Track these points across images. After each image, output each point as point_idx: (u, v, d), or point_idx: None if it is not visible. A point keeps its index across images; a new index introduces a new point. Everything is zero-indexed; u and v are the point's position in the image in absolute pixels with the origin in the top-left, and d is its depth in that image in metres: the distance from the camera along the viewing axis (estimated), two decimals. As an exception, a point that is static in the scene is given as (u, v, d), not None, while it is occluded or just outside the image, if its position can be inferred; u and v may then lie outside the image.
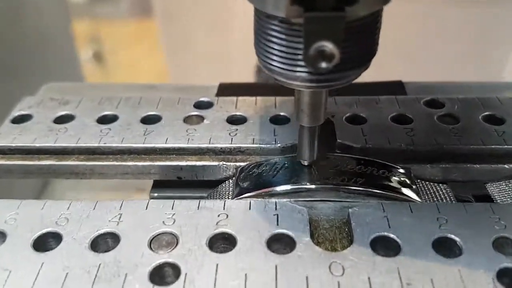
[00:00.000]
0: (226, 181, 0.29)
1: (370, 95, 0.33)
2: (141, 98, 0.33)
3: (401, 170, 0.28)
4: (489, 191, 0.28)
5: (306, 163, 0.27)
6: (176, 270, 0.22)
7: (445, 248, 0.23)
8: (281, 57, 0.21)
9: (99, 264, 0.22)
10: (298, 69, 0.21)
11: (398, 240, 0.23)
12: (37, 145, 0.29)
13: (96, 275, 0.22)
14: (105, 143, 0.29)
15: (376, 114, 0.32)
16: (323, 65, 0.19)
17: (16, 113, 0.32)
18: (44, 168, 0.29)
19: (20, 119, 0.32)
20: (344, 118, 0.31)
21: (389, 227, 0.24)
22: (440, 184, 0.29)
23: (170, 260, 0.22)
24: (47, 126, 0.31)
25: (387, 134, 0.30)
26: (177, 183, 0.30)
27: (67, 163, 0.29)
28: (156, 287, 0.21)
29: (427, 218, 0.24)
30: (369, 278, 0.21)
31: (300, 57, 0.20)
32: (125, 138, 0.30)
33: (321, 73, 0.21)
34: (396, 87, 0.35)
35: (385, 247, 0.23)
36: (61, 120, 0.32)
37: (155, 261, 0.22)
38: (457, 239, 0.23)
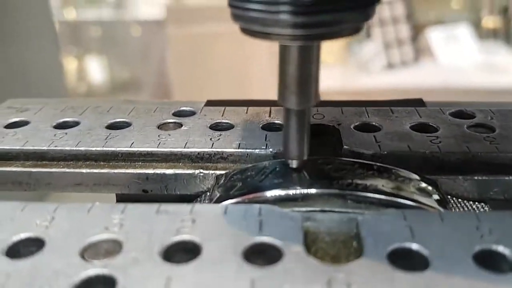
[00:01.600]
0: (203, 195, 0.23)
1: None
2: (111, 107, 0.28)
3: (427, 181, 0.22)
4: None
5: (294, 164, 0.21)
6: (111, 283, 0.16)
7: (490, 264, 0.16)
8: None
9: (9, 273, 0.16)
10: (280, 8, 0.16)
11: (425, 252, 0.17)
12: (-24, 148, 0.24)
13: (3, 285, 0.16)
14: (56, 146, 0.24)
15: (392, 123, 0.26)
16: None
17: (-37, 119, 0.27)
18: (-18, 176, 0.24)
19: (-34, 125, 0.27)
20: (352, 126, 0.26)
21: (413, 237, 0.17)
22: (477, 203, 0.23)
23: (105, 271, 0.16)
24: (-6, 131, 0.26)
25: (406, 141, 0.24)
26: (143, 199, 0.24)
27: (8, 169, 0.24)
28: (78, 304, 0.15)
29: (463, 227, 0.18)
30: (385, 299, 0.15)
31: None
32: (82, 142, 0.24)
33: (307, 10, 0.15)
34: (415, 105, 0.29)
35: (407, 263, 0.17)
36: (13, 125, 0.27)
37: (84, 271, 0.16)
38: (506, 252, 0.17)
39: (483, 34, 2.09)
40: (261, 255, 0.17)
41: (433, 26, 1.86)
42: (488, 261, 0.16)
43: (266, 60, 1.52)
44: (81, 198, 0.24)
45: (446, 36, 1.81)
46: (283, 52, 0.19)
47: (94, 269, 0.16)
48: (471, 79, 1.63)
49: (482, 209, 0.22)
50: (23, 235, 0.18)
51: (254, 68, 1.54)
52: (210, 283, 0.15)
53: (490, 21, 2.12)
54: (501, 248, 0.17)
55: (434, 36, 1.80)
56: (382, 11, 1.73)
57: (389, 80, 1.61)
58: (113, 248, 0.17)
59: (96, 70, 2.17)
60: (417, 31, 1.81)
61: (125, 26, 2.22)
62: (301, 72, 0.18)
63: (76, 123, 0.26)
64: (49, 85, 0.78)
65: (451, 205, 0.22)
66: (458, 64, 1.74)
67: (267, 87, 1.51)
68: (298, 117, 0.19)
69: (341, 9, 0.16)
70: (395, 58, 1.72)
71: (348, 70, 1.71)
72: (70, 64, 2.01)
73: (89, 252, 0.17)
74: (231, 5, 0.18)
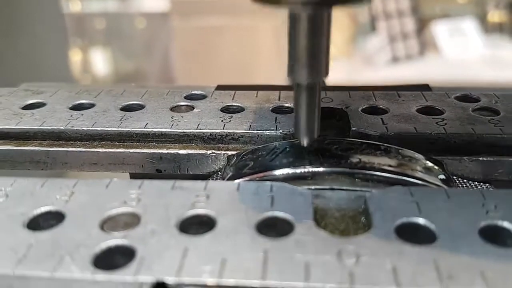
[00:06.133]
0: (214, 175, 0.24)
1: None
2: (124, 90, 0.29)
3: (433, 161, 0.22)
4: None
5: (305, 141, 0.21)
6: (130, 253, 0.16)
7: (496, 239, 0.17)
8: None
9: (31, 243, 0.17)
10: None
11: (432, 226, 0.17)
12: (-5, 127, 0.25)
13: (24, 255, 0.16)
14: (72, 126, 0.25)
15: (399, 106, 0.26)
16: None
17: (-18, 101, 0.28)
18: (1, 154, 0.24)
19: (-15, 106, 0.27)
20: (360, 109, 0.26)
21: (420, 212, 0.18)
22: (482, 184, 0.23)
23: (124, 242, 0.17)
24: (12, 112, 0.27)
25: (413, 123, 0.24)
26: (157, 178, 0.24)
27: (26, 148, 0.24)
28: (99, 271, 0.16)
29: (469, 204, 0.18)
30: (394, 269, 0.15)
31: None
32: (98, 122, 0.25)
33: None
34: (422, 90, 0.29)
35: (415, 237, 0.17)
36: (31, 107, 0.27)
37: (104, 242, 0.17)
38: (511, 227, 0.17)
39: (488, 28, 2.08)
40: (273, 228, 0.18)
41: (438, 20, 1.85)
42: (493, 236, 0.17)
43: (271, 52, 1.52)
44: (95, 177, 0.25)
45: (452, 29, 1.80)
46: (293, 24, 0.18)
47: (114, 240, 0.17)
48: (476, 73, 1.62)
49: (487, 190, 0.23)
50: (43, 209, 0.19)
51: (259, 60, 1.54)
52: (225, 253, 0.16)
53: (495, 15, 2.11)
54: (506, 224, 0.17)
55: (440, 30, 1.79)
56: (388, 4, 1.73)
57: (394, 74, 1.61)
58: (131, 220, 0.18)
59: (100, 62, 2.18)
60: (422, 24, 1.80)
61: (130, 18, 2.22)
62: (311, 43, 0.18)
63: (91, 105, 0.27)
64: (56, 75, 0.78)
65: (456, 185, 0.23)
66: (463, 58, 1.74)
67: (272, 79, 1.51)
68: (309, 93, 0.20)
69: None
70: (400, 51, 1.72)
71: (353, 64, 1.71)
72: (75, 56, 2.01)
73: (109, 224, 0.18)
74: None
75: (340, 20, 1.75)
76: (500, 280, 0.15)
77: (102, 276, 0.15)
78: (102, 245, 0.17)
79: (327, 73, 0.19)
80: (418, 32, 1.77)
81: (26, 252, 0.17)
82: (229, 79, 1.54)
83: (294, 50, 0.18)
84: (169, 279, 0.15)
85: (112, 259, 0.16)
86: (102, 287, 0.16)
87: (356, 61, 1.73)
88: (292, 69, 0.19)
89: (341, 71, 1.63)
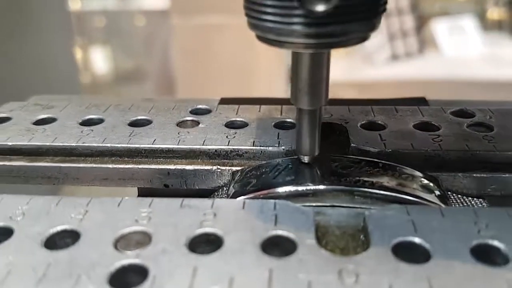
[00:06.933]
0: (220, 190, 0.25)
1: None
2: (132, 104, 0.30)
3: (429, 178, 0.23)
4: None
5: (306, 159, 0.22)
6: (143, 272, 0.17)
7: (486, 257, 0.18)
8: (273, 6, 0.18)
9: (49, 263, 0.18)
10: (294, 19, 0.17)
11: (427, 245, 0.18)
12: (9, 143, 0.26)
13: (43, 274, 0.17)
14: (83, 143, 0.26)
15: (396, 122, 0.27)
16: (320, 7, 0.15)
17: (-6, 115, 0.29)
18: (14, 170, 0.26)
19: (-2, 121, 0.28)
20: (359, 125, 0.27)
21: (416, 232, 0.19)
22: (475, 199, 0.24)
23: (137, 261, 0.18)
24: (25, 127, 0.28)
25: (409, 140, 0.26)
26: (164, 193, 0.26)
27: (38, 164, 0.25)
28: (114, 289, 0.17)
29: (462, 222, 0.19)
30: (391, 287, 0.16)
31: (295, 4, 0.17)
32: (108, 139, 0.26)
33: (318, 22, 0.17)
34: (418, 103, 0.31)
35: (410, 255, 0.18)
36: (42, 122, 0.28)
37: (118, 261, 0.18)
38: (501, 245, 0.18)
39: (488, 25, 2.09)
40: (277, 246, 0.19)
41: (437, 18, 1.86)
42: (484, 254, 0.18)
43: (271, 51, 1.53)
44: (104, 191, 0.26)
45: (451, 27, 1.81)
46: (296, 58, 0.20)
47: (127, 259, 0.18)
48: (475, 71, 1.63)
49: (480, 205, 0.24)
50: (59, 228, 0.20)
51: (259, 59, 1.55)
52: (232, 272, 0.17)
53: (495, 13, 2.12)
54: (496, 243, 0.18)
55: (439, 28, 1.80)
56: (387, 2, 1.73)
57: (393, 72, 1.62)
58: (143, 239, 0.19)
59: (100, 60, 2.19)
60: (421, 22, 1.81)
61: (130, 16, 2.23)
62: (312, 75, 0.20)
63: (100, 120, 0.28)
64: (61, 75, 0.79)
65: (451, 201, 0.24)
66: (463, 56, 1.75)
67: (272, 78, 1.52)
68: (310, 116, 0.21)
69: (350, 20, 0.18)
70: (399, 49, 1.73)
71: (352, 62, 1.72)
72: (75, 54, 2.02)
73: (122, 243, 0.19)
74: (248, 15, 0.20)
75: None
76: (489, 298, 0.16)
77: (117, 294, 0.17)
78: (117, 264, 0.18)
79: (326, 100, 0.20)
80: (417, 30, 1.78)
81: (46, 271, 0.18)
82: (228, 77, 1.54)
83: (297, 81, 0.19)
84: (181, 298, 0.16)
85: (126, 277, 0.17)
86: (118, 305, 0.17)
87: (356, 59, 1.74)
88: (295, 97, 0.20)
89: (340, 69, 1.64)
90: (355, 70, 1.65)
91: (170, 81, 1.90)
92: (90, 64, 2.18)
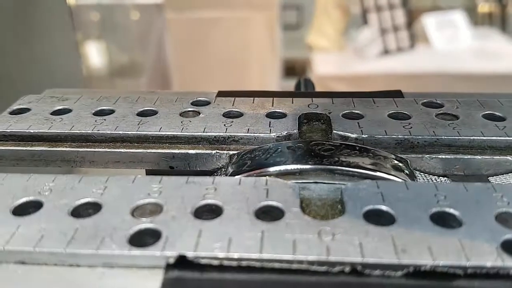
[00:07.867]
0: (219, 171, 0.29)
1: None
2: (139, 97, 0.34)
3: (399, 159, 0.27)
4: (493, 184, 0.27)
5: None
6: (157, 234, 0.21)
7: (444, 223, 0.22)
8: None
9: (77, 228, 0.21)
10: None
11: (392, 212, 0.22)
12: (31, 131, 0.29)
13: (72, 237, 0.21)
14: (98, 130, 0.29)
15: (373, 112, 0.31)
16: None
17: (15, 107, 0.33)
18: (36, 154, 0.29)
19: (19, 112, 0.32)
20: (341, 114, 0.31)
21: (383, 201, 0.23)
22: (441, 177, 0.28)
23: (151, 225, 0.21)
24: (43, 117, 0.31)
25: (384, 127, 0.29)
26: (169, 174, 0.29)
27: (58, 149, 0.29)
28: (133, 248, 0.20)
29: (424, 194, 0.23)
30: (360, 244, 0.20)
31: None
32: (119, 127, 0.30)
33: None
34: (395, 96, 0.34)
35: (379, 221, 0.22)
36: (58, 112, 0.32)
37: (135, 226, 0.21)
38: (456, 213, 0.22)
39: (478, 20, 2.12)
40: (268, 214, 0.22)
41: (428, 12, 1.89)
42: (442, 220, 0.22)
43: (264, 44, 1.56)
44: (117, 172, 0.30)
45: (441, 22, 1.84)
46: None
47: (143, 224, 0.21)
48: (466, 64, 1.67)
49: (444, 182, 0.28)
50: (83, 200, 0.23)
51: (253, 52, 1.58)
52: (231, 233, 0.21)
53: (485, 7, 2.15)
54: (452, 210, 0.22)
55: (429, 22, 1.84)
56: (379, -3, 1.76)
57: (385, 66, 1.65)
58: (155, 209, 0.23)
59: (95, 54, 2.20)
60: (413, 17, 1.84)
61: (124, 10, 2.24)
62: None
63: (111, 111, 0.32)
64: (65, 65, 0.82)
65: (418, 179, 0.27)
66: (453, 50, 1.78)
67: (265, 71, 1.55)
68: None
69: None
70: (391, 44, 1.76)
71: (344, 56, 1.75)
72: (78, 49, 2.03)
73: (137, 211, 0.23)
74: None
75: (332, 13, 1.79)
76: (443, 253, 0.20)
77: (136, 252, 0.20)
78: (134, 228, 0.21)
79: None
80: (408, 24, 1.81)
81: (74, 235, 0.21)
82: (223, 70, 1.57)
83: None
84: (189, 254, 0.20)
85: (143, 239, 0.21)
86: (136, 260, 0.20)
87: (348, 54, 1.78)
88: None
89: (333, 64, 1.67)
90: (347, 64, 1.68)
91: (164, 74, 1.93)
92: (84, 58, 2.19)
